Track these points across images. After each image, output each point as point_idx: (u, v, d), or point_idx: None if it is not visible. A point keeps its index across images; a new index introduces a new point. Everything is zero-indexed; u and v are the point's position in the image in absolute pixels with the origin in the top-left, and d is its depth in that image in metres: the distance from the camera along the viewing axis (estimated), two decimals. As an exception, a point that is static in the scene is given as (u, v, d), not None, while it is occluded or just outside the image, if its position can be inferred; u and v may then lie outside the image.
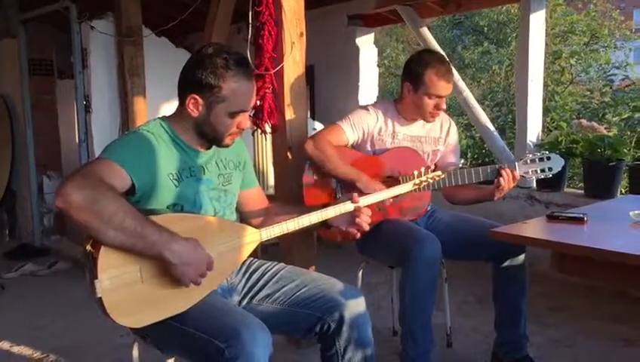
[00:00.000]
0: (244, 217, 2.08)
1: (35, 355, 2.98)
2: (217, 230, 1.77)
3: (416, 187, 2.16)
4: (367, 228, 2.01)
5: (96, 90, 4.50)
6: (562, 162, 2.41)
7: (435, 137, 2.66)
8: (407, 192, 2.19)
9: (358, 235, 2.02)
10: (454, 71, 4.57)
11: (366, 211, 1.99)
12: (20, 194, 5.50)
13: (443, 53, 4.61)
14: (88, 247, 1.60)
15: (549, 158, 2.40)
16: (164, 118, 1.86)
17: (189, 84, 1.78)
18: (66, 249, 4.82)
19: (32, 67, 5.24)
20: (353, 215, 1.99)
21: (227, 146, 1.89)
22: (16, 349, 3.06)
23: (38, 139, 5.21)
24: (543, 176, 2.43)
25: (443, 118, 2.70)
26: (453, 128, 2.72)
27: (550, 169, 2.40)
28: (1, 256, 4.91)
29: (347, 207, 1.98)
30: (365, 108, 2.63)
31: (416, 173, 2.16)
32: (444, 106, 2.52)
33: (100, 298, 1.55)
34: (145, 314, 1.64)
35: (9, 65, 5.32)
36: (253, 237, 1.83)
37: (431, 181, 2.22)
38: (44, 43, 5.52)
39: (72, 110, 4.81)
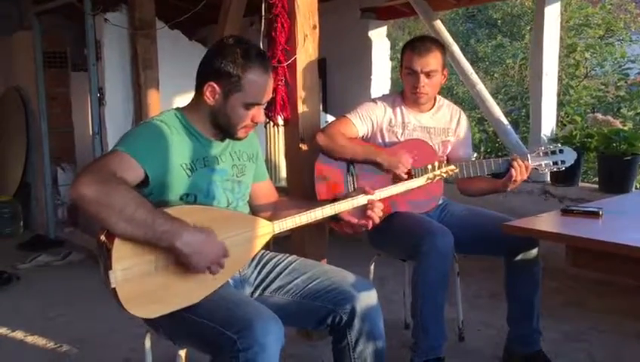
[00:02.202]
0: (253, 211, 2.07)
1: (48, 345, 3.01)
2: (230, 222, 1.77)
3: (430, 181, 2.16)
4: (377, 221, 2.00)
5: (110, 83, 4.53)
6: (575, 155, 2.40)
7: (445, 128, 2.64)
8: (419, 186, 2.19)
9: (370, 225, 2.01)
10: (466, 63, 4.55)
11: (379, 205, 1.99)
12: (35, 186, 5.56)
13: (456, 45, 4.63)
14: (102, 238, 1.61)
15: (561, 151, 2.39)
16: (178, 109, 1.87)
17: (207, 72, 1.79)
18: (79, 240, 4.88)
19: (46, 60, 5.26)
20: (366, 207, 1.99)
21: (240, 139, 1.89)
22: (30, 339, 3.09)
23: (52, 131, 5.25)
24: (555, 169, 2.42)
25: (452, 108, 2.69)
26: (464, 119, 2.69)
27: (563, 162, 2.39)
28: (15, 247, 4.96)
29: (360, 200, 1.98)
30: (373, 100, 2.65)
31: (429, 166, 2.17)
32: (422, 84, 2.47)
33: (114, 288, 1.56)
34: (158, 305, 1.64)
35: (24, 58, 5.37)
36: (266, 230, 1.84)
37: (444, 175, 2.22)
38: (59, 35, 5.54)
39: (86, 102, 4.85)
